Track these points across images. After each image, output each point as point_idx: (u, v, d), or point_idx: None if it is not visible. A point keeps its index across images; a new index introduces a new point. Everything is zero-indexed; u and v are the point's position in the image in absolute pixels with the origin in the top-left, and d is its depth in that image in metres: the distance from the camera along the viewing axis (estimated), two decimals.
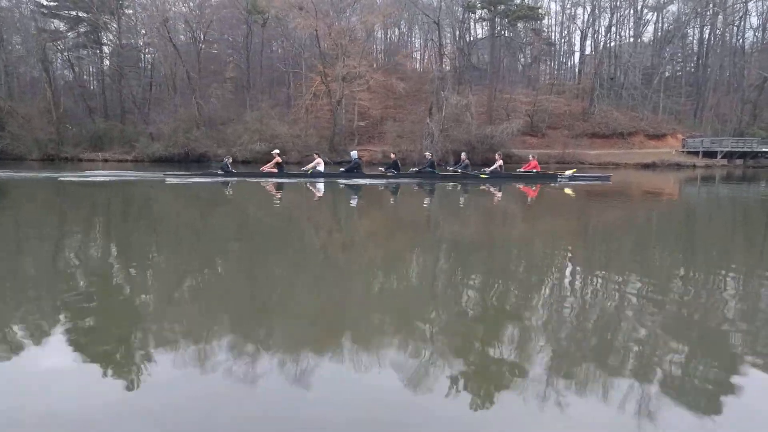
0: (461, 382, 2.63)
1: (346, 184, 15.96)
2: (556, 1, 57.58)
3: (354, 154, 18.49)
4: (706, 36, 51.84)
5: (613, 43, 51.96)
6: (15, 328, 3.32)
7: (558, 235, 7.76)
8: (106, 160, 36.92)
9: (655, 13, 52.73)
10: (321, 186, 15.47)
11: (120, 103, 43.81)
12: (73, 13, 43.42)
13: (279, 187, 15.21)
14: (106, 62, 45.30)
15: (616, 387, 2.58)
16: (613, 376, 2.71)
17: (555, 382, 2.62)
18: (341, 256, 6.02)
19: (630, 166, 37.90)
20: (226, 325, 3.47)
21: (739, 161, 39.52)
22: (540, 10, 44.44)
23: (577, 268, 5.37)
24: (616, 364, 2.89)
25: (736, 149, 39.56)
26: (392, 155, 19.48)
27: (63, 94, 41.79)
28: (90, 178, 17.02)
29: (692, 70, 54.06)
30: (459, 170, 18.41)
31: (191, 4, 41.32)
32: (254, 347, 3.03)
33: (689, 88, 51.66)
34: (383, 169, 18.30)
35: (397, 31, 58.15)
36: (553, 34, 55.81)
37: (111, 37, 43.84)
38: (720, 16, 49.34)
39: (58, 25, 43.99)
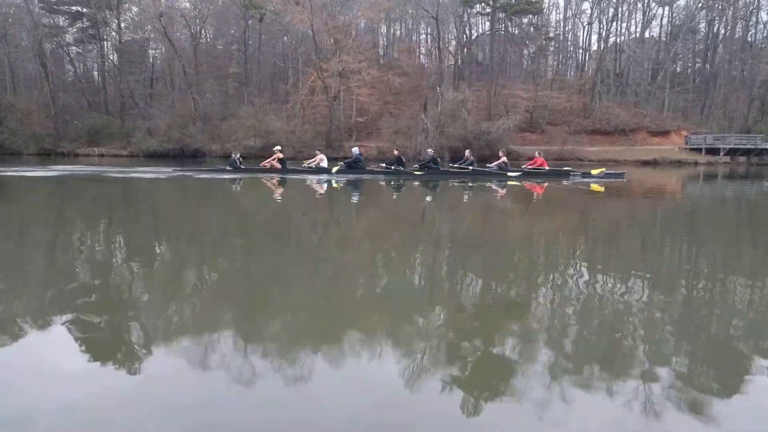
0: (460, 382, 2.61)
1: (348, 180, 15.90)
2: None
3: (356, 150, 18.43)
4: (714, 31, 50.79)
5: (618, 39, 51.16)
6: (16, 324, 3.35)
7: (560, 234, 7.74)
8: (102, 155, 37.10)
9: (662, 8, 51.72)
10: (324, 182, 15.47)
11: (120, 99, 44.02)
12: (74, 8, 43.80)
13: (282, 182, 15.35)
14: (111, 57, 45.63)
15: (619, 387, 2.54)
16: (615, 377, 2.67)
17: (556, 383, 2.58)
18: (344, 253, 6.01)
19: (630, 163, 37.11)
20: (230, 320, 3.50)
21: (742, 158, 38.59)
22: (538, 4, 43.68)
23: (581, 265, 5.33)
24: (618, 363, 2.85)
25: (740, 146, 38.60)
26: (395, 151, 19.34)
27: (62, 89, 42.07)
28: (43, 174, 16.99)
29: (700, 65, 52.96)
30: (470, 168, 17.95)
31: None
32: (254, 344, 3.04)
33: (696, 84, 50.61)
34: (385, 165, 18.08)
35: (400, 26, 57.77)
36: (556, 29, 55.02)
37: (110, 32, 44.03)
38: (730, 11, 48.26)
39: (59, 20, 44.27)
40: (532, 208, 11.23)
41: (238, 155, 18.22)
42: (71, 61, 44.70)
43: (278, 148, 18.50)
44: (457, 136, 35.26)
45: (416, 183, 15.87)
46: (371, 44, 50.61)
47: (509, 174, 17.29)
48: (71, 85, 44.09)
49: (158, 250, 5.87)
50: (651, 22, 51.20)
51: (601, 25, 49.72)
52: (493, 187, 14.99)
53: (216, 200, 11.73)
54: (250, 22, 42.20)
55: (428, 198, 12.89)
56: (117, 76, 44.41)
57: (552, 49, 52.93)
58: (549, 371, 2.70)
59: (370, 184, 15.48)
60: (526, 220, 9.11)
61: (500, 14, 42.70)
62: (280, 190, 13.78)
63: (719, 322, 3.63)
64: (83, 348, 2.97)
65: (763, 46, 48.66)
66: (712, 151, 39.07)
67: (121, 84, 43.53)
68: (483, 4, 42.81)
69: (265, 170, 17.45)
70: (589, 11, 50.34)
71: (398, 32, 58.42)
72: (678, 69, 53.85)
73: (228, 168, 17.36)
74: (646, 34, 51.51)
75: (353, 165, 17.41)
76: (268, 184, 15.03)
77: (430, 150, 19.76)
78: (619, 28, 51.69)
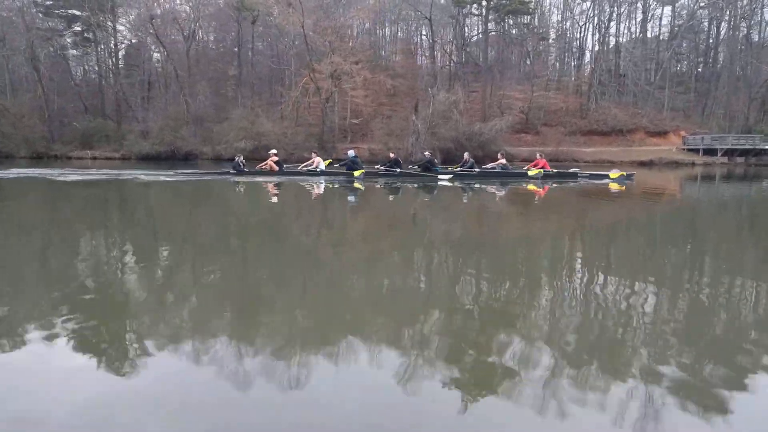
0: (459, 384, 2.61)
1: (346, 183, 16.03)
2: None
3: (351, 152, 18.57)
4: (715, 31, 50.12)
5: (617, 39, 50.65)
6: (23, 326, 3.41)
7: (560, 235, 7.83)
8: (94, 158, 37.12)
9: (662, 8, 51.10)
10: (322, 184, 15.72)
11: (116, 102, 44.11)
12: (70, 12, 43.95)
13: (279, 185, 15.58)
14: (107, 61, 45.75)
15: (619, 389, 2.53)
16: (613, 379, 2.66)
17: (555, 385, 2.56)
18: (341, 255, 6.08)
19: (626, 164, 36.47)
20: (232, 323, 3.56)
21: (740, 159, 37.89)
22: (530, 4, 43.26)
23: (581, 267, 5.37)
24: (616, 365, 2.84)
25: (737, 146, 37.93)
26: (391, 154, 19.37)
27: (58, 92, 42.17)
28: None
29: (700, 65, 52.22)
30: (475, 170, 17.98)
31: (179, 0, 41.38)
32: (254, 346, 3.08)
33: (697, 83, 49.92)
34: (382, 167, 18.08)
35: (398, 27, 57.47)
36: (557, 29, 54.53)
37: (106, 36, 44.12)
38: (731, 10, 47.53)
39: (55, 24, 44.45)
40: (542, 209, 11.39)
41: (242, 158, 18.45)
42: (67, 64, 44.78)
43: (274, 151, 18.93)
44: (448, 137, 34.92)
45: (414, 185, 15.92)
46: (367, 46, 50.47)
47: (529, 175, 17.38)
48: (68, 88, 44.18)
49: (165, 253, 5.98)
50: (649, 22, 50.60)
51: (601, 25, 49.19)
52: (495, 189, 14.99)
53: (223, 203, 12.19)
54: (243, 23, 42.11)
55: (426, 199, 13.10)
56: (112, 79, 44.50)
57: (549, 49, 52.38)
58: (548, 373, 2.68)
59: (367, 186, 15.51)
60: (534, 222, 9.29)
61: (493, 14, 42.31)
62: (277, 193, 14.00)
63: (722, 324, 3.63)
64: (90, 350, 3.01)
65: (766, 44, 47.93)
66: (710, 152, 38.44)
67: (116, 87, 43.62)
68: (476, 4, 42.39)
69: (270, 173, 17.67)
70: (587, 11, 49.76)
71: (399, 33, 58.14)
72: (678, 69, 53.16)
73: (232, 171, 17.59)
74: (648, 34, 50.96)
75: (351, 167, 17.55)
76: (270, 186, 15.26)
77: (427, 153, 19.52)
78: (618, 28, 51.22)
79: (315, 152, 19.34)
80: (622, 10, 49.77)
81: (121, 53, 46.18)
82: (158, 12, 40.01)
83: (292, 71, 43.39)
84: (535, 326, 3.46)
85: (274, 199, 12.82)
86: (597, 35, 49.46)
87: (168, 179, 16.75)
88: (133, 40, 45.93)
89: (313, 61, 39.02)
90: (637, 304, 3.92)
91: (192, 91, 39.25)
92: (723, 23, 49.66)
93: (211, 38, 49.52)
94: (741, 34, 48.55)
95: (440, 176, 17.21)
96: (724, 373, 2.77)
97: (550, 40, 51.99)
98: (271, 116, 39.42)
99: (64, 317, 3.50)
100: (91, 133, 39.71)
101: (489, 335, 3.27)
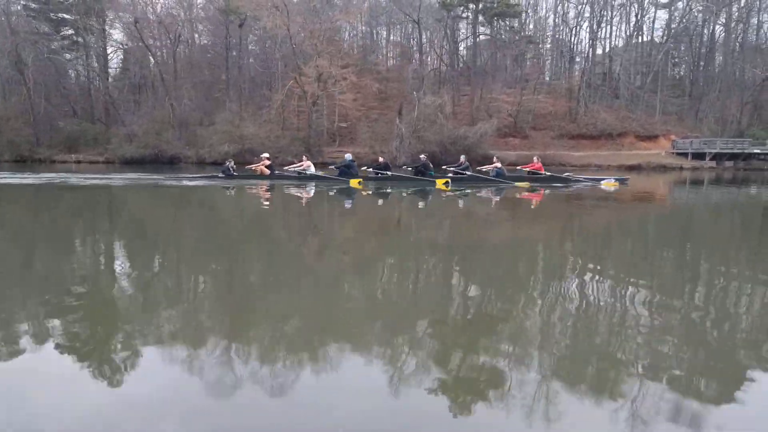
0: (448, 388, 2.60)
1: (340, 188, 15.84)
2: None
3: (348, 156, 18.41)
4: (709, 34, 49.71)
5: (608, 42, 50.37)
6: (23, 333, 3.40)
7: (554, 240, 7.87)
8: (78, 162, 37.05)
9: (654, 10, 50.79)
10: (312, 188, 15.68)
11: (103, 105, 44.09)
12: (58, 15, 44.02)
13: (270, 189, 15.50)
14: (93, 63, 45.72)
15: (608, 396, 2.52)
16: (605, 385, 2.66)
17: (547, 390, 2.55)
18: (332, 261, 6.10)
19: (613, 168, 36.23)
20: (225, 329, 3.54)
21: (729, 163, 37.45)
22: (518, 7, 43.00)
23: (573, 271, 5.33)
24: (608, 371, 2.83)
25: (726, 150, 37.51)
26: (380, 158, 19.21)
27: (45, 95, 42.13)
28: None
29: (694, 69, 51.81)
30: (467, 173, 17.82)
31: (164, 4, 41.30)
32: (240, 352, 3.08)
33: (690, 87, 49.53)
34: (370, 169, 17.92)
35: (388, 31, 57.31)
36: (546, 32, 54.24)
37: (94, 39, 44.11)
38: (728, 13, 47.20)
39: (42, 26, 44.47)
40: (537, 214, 11.43)
41: (232, 163, 18.46)
42: (56, 67, 44.76)
43: (266, 155, 19.07)
44: (433, 141, 34.64)
45: (408, 191, 15.61)
46: (358, 49, 50.32)
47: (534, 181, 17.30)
48: (56, 91, 44.16)
49: (158, 260, 5.98)
50: (642, 26, 50.23)
51: (592, 29, 48.90)
52: (490, 194, 14.87)
53: (213, 207, 12.11)
54: (231, 27, 42.02)
55: (421, 204, 13.04)
56: (100, 84, 44.47)
57: (537, 52, 52.06)
58: (539, 378, 2.67)
59: (357, 191, 15.39)
60: (527, 227, 9.28)
61: (481, 17, 42.09)
62: (268, 197, 13.94)
63: (715, 327, 3.65)
64: (81, 358, 2.99)
65: (759, 48, 47.58)
66: (699, 156, 38.04)
67: (104, 90, 43.60)
68: (463, 7, 42.19)
69: (260, 177, 17.63)
70: (578, 14, 49.48)
71: (393, 37, 57.96)
72: (671, 72, 52.80)
73: (221, 175, 17.48)
74: (642, 38, 50.62)
75: (345, 171, 17.34)
76: (261, 191, 15.20)
77: (422, 156, 19.25)
78: (609, 31, 50.91)
79: (306, 156, 19.65)
80: (615, 13, 49.55)
81: (110, 57, 46.18)
82: (148, 16, 39.93)
83: (279, 75, 43.23)
84: (526, 331, 3.46)
85: (266, 204, 12.78)
86: (588, 39, 49.22)
87: (183, 184, 16.87)
88: (122, 45, 45.91)
89: (300, 65, 38.89)
90: (630, 308, 3.93)
91: (178, 95, 39.17)
92: (717, 27, 49.38)
93: (203, 42, 49.39)
94: (735, 38, 48.19)
95: (437, 180, 16.93)
96: (717, 378, 2.78)
97: (540, 44, 51.63)
98: (257, 120, 39.26)
99: (55, 325, 3.53)
100: (77, 137, 39.67)
101: (479, 341, 3.25)
